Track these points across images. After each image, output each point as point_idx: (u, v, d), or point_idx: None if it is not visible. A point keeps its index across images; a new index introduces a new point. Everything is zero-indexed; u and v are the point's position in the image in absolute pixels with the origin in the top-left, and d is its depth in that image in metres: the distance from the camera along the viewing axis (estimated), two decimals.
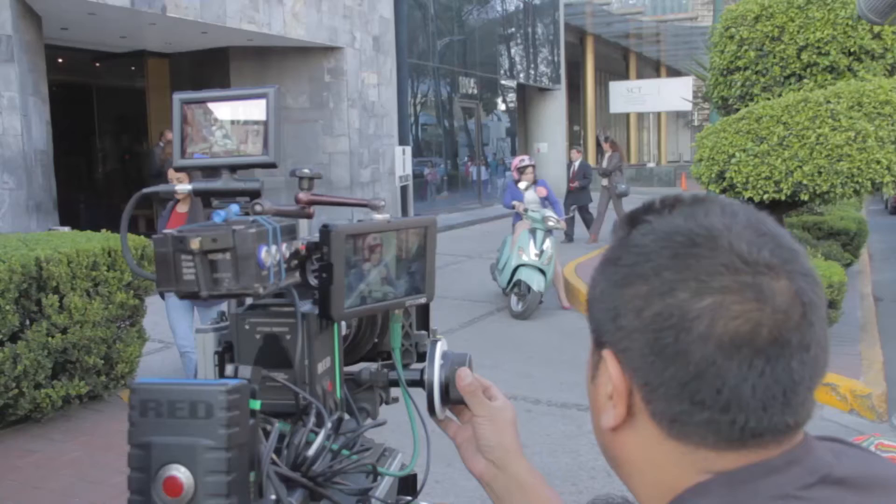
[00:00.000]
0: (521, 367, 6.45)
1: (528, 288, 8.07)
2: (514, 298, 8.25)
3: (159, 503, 0.68)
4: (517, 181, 9.03)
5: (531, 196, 8.80)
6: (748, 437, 0.63)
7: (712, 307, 0.61)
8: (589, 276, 0.74)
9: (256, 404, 0.73)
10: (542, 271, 8.08)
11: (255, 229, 0.77)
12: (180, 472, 0.68)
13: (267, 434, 0.79)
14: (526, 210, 8.47)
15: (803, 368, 0.63)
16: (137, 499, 0.69)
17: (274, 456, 0.79)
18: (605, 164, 14.15)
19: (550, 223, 8.26)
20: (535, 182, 9.00)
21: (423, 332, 1.11)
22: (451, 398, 1.02)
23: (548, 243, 8.16)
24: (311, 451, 0.83)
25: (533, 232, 8.18)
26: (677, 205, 0.68)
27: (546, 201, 8.85)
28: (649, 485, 0.68)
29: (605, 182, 13.96)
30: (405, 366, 1.08)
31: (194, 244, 0.75)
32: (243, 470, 0.70)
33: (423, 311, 1.12)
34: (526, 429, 4.97)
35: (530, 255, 8.05)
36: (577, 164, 14.20)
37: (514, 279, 8.15)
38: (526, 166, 9.05)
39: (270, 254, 0.78)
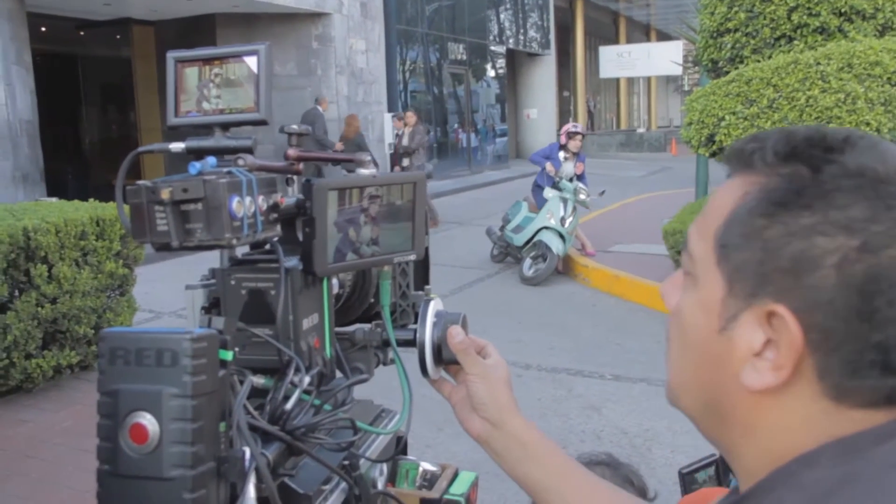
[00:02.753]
0: (511, 332, 6.47)
1: (547, 250, 8.14)
2: (527, 262, 8.33)
3: (126, 449, 0.68)
4: (563, 146, 8.92)
5: (568, 169, 8.78)
6: None
7: None
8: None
9: (228, 355, 0.73)
10: (562, 238, 8.18)
11: (226, 179, 0.76)
12: (146, 420, 0.68)
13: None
14: (560, 179, 8.51)
15: None
16: (105, 445, 0.70)
17: (251, 409, 0.79)
18: (406, 140, 11.66)
19: (582, 196, 8.35)
20: (577, 155, 8.97)
21: (422, 292, 1.10)
22: (445, 358, 1.01)
23: (573, 215, 8.29)
24: (288, 405, 0.83)
25: (564, 201, 8.27)
26: (857, 141, 0.60)
27: (579, 178, 8.84)
28: (763, 449, 0.63)
29: (406, 162, 11.56)
30: (402, 326, 1.07)
31: (165, 194, 0.74)
32: (211, 419, 0.70)
33: (423, 271, 1.11)
34: (516, 393, 4.97)
35: (557, 219, 8.17)
36: (402, 133, 11.94)
37: (535, 240, 8.24)
38: (576, 133, 8.94)
39: (244, 205, 0.78)
